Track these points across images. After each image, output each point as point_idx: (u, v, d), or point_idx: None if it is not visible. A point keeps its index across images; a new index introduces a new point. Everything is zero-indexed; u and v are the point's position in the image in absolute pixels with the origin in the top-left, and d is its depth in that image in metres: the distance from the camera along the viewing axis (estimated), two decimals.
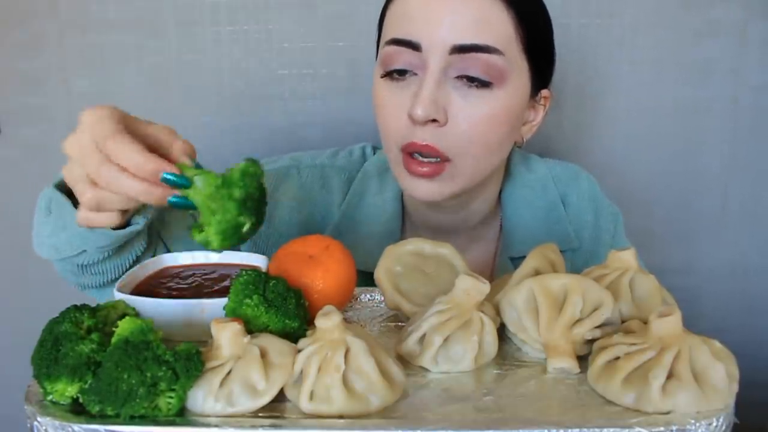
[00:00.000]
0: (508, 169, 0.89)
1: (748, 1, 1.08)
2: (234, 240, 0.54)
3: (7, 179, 1.17)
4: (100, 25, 1.10)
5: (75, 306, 0.50)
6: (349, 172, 0.90)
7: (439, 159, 0.74)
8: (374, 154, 0.92)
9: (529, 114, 0.81)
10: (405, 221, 0.89)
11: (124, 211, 0.59)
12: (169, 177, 0.53)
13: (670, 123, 1.14)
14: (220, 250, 0.54)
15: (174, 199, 0.53)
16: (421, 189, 0.76)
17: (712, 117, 1.13)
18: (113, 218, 0.58)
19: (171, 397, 0.45)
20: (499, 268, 0.88)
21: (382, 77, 0.76)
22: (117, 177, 0.53)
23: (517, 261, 0.87)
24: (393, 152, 0.77)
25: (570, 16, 1.08)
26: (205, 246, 0.54)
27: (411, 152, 0.74)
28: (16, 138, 1.15)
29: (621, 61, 1.11)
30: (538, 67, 0.77)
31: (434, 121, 0.72)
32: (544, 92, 0.81)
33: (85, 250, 0.64)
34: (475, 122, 0.73)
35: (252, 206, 0.53)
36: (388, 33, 0.76)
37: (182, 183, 0.53)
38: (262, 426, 0.45)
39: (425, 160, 0.74)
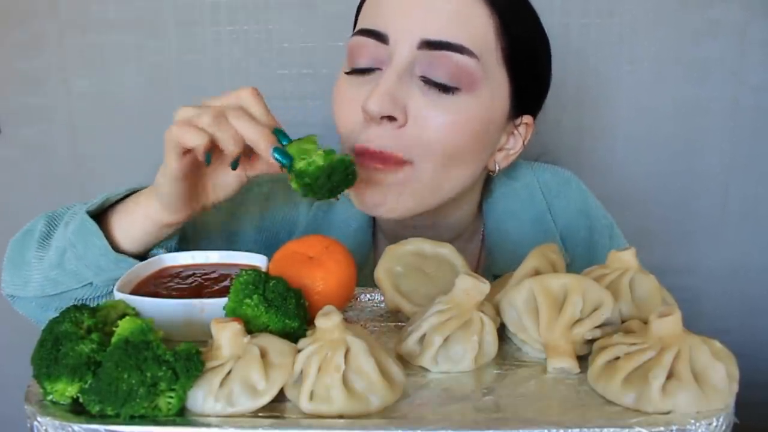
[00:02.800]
0: (486, 182, 0.83)
1: (748, 1, 1.08)
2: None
3: (7, 179, 1.17)
4: (100, 25, 1.10)
5: (75, 306, 0.50)
6: None
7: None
8: None
9: (506, 140, 0.75)
10: (376, 233, 0.84)
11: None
12: (281, 136, 0.61)
13: (670, 123, 1.14)
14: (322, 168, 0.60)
15: (276, 153, 0.59)
16: (369, 199, 0.70)
17: (712, 117, 1.13)
18: (202, 140, 0.58)
19: (171, 397, 0.45)
20: None
21: (346, 73, 0.71)
22: (247, 117, 0.59)
23: None
24: (345, 150, 0.71)
25: (570, 16, 1.08)
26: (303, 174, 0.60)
27: (363, 155, 0.69)
28: (16, 138, 1.15)
29: (621, 61, 1.11)
30: (520, 86, 0.71)
31: (391, 120, 0.66)
32: (526, 118, 0.75)
33: (91, 283, 0.64)
34: (437, 127, 0.67)
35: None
36: (359, 24, 0.72)
37: (287, 158, 0.61)
38: (262, 426, 0.45)
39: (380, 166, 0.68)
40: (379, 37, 0.68)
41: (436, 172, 0.70)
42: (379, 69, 0.69)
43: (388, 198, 0.70)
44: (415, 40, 0.66)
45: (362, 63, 0.69)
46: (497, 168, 0.76)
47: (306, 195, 0.62)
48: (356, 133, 0.69)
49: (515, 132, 0.75)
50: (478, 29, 0.67)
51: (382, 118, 0.66)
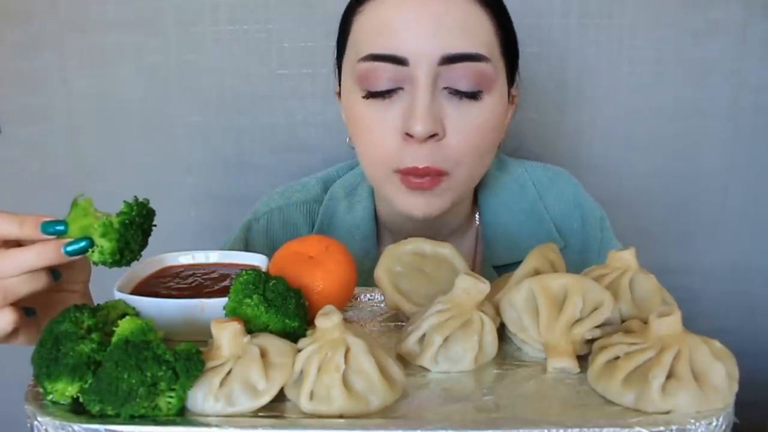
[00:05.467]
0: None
1: (748, 1, 1.08)
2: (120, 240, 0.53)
3: (7, 179, 1.17)
4: (100, 25, 1.10)
5: (75, 306, 0.50)
6: (309, 203, 0.87)
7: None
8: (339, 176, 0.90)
9: (506, 115, 0.79)
10: (380, 234, 0.87)
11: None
12: (48, 225, 0.52)
13: (670, 123, 1.14)
14: (113, 252, 0.53)
15: (69, 248, 0.52)
16: (419, 206, 0.73)
17: (712, 117, 1.13)
18: (14, 314, 0.52)
19: (171, 397, 0.45)
20: (484, 277, 0.84)
21: (363, 98, 0.71)
22: (6, 256, 0.51)
23: (501, 269, 0.83)
24: (382, 172, 0.73)
25: (570, 16, 1.08)
26: (102, 256, 0.53)
27: (411, 174, 0.71)
28: (16, 138, 1.15)
29: (621, 62, 1.11)
30: (512, 68, 0.76)
31: (432, 135, 0.69)
32: (513, 91, 0.80)
33: None
34: (471, 132, 0.71)
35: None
36: (364, 47, 0.71)
37: (61, 226, 0.52)
38: (262, 426, 0.45)
39: (425, 179, 0.71)
40: (398, 60, 0.69)
41: (470, 173, 0.74)
42: (400, 89, 0.70)
43: (434, 204, 0.74)
44: (434, 58, 0.68)
45: (382, 86, 0.70)
46: (500, 140, 0.81)
47: (120, 258, 0.54)
48: (396, 155, 0.71)
49: (508, 105, 0.80)
50: (485, 33, 0.70)
51: (426, 137, 0.69)
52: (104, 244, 0.52)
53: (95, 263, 0.54)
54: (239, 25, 1.10)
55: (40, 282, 0.53)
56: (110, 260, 0.53)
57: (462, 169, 0.73)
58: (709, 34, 1.09)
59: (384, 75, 0.70)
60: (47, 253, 0.52)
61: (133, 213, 0.54)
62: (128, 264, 0.55)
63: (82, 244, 0.52)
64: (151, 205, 0.57)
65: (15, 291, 0.52)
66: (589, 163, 1.15)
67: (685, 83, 1.12)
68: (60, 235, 0.53)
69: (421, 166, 0.70)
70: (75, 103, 1.13)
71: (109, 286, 0.57)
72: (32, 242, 0.53)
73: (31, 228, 0.52)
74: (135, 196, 0.55)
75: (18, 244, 0.54)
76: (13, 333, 0.54)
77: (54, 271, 0.55)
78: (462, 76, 0.69)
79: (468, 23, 0.69)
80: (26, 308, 0.55)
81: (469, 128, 0.71)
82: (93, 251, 0.53)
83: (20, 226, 0.52)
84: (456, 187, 0.74)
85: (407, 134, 0.69)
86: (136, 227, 0.54)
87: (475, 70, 0.69)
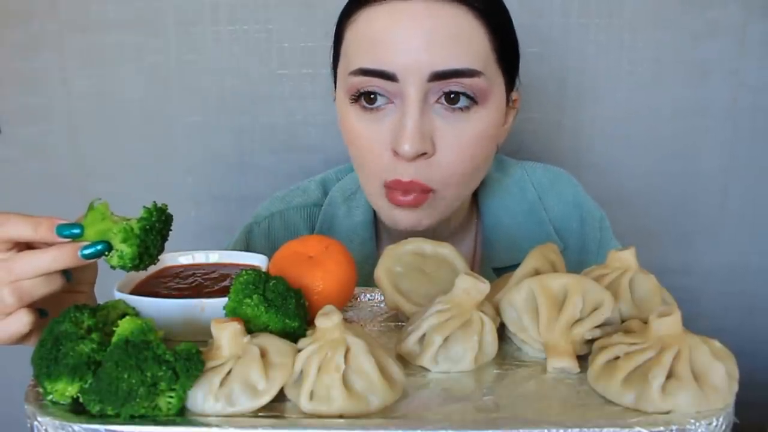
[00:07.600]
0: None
1: (747, 1, 1.08)
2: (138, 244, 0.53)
3: (7, 179, 1.17)
4: (100, 25, 1.10)
5: (75, 306, 0.50)
6: (309, 207, 0.87)
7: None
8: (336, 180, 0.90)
9: (504, 120, 0.78)
10: (379, 238, 0.87)
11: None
12: (64, 228, 0.52)
13: (669, 123, 1.14)
14: (134, 257, 0.53)
15: (86, 251, 0.52)
16: (405, 220, 0.73)
17: (711, 117, 1.13)
18: (30, 316, 0.53)
19: (171, 397, 0.45)
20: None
21: (351, 103, 0.72)
22: (22, 259, 0.51)
23: (500, 271, 0.83)
24: (373, 186, 0.74)
25: (570, 16, 1.08)
26: (120, 261, 0.53)
27: (395, 188, 0.71)
28: (16, 138, 1.15)
29: (621, 61, 1.11)
30: (510, 75, 0.75)
31: (422, 154, 0.69)
32: (514, 95, 0.78)
33: None
34: (464, 147, 0.70)
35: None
36: (354, 60, 0.70)
37: (77, 229, 0.52)
38: (262, 426, 0.45)
39: (410, 196, 0.71)
40: (387, 76, 0.68)
41: (460, 189, 0.74)
42: (389, 101, 0.70)
43: (422, 219, 0.74)
44: (424, 75, 0.67)
45: (370, 97, 0.70)
46: (498, 147, 0.80)
47: (139, 263, 0.54)
48: (385, 170, 0.71)
49: (508, 111, 0.79)
50: (478, 45, 0.68)
51: (415, 156, 0.69)
52: (125, 249, 0.52)
53: (113, 267, 0.54)
54: (239, 25, 1.10)
55: (55, 284, 0.53)
56: (129, 265, 0.53)
57: (451, 187, 0.72)
58: (709, 35, 1.09)
59: (372, 87, 0.69)
60: (63, 256, 0.52)
61: (153, 218, 0.54)
62: (145, 268, 0.55)
63: (99, 247, 0.52)
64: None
65: (31, 293, 0.52)
66: (589, 163, 1.15)
67: (684, 83, 1.12)
68: (75, 238, 0.52)
69: (405, 180, 0.70)
70: (75, 103, 1.13)
71: (109, 286, 0.58)
72: (45, 244, 0.53)
73: (46, 231, 0.52)
74: (154, 202, 0.55)
75: (28, 245, 0.54)
76: (28, 334, 0.54)
77: (66, 273, 0.55)
78: (453, 91, 0.68)
79: (460, 36, 0.67)
80: (40, 309, 0.55)
81: (462, 142, 0.70)
82: (112, 256, 0.52)
83: (35, 229, 0.52)
84: (444, 204, 0.74)
85: (396, 152, 0.69)
86: (156, 233, 0.54)
87: (467, 84, 0.68)
